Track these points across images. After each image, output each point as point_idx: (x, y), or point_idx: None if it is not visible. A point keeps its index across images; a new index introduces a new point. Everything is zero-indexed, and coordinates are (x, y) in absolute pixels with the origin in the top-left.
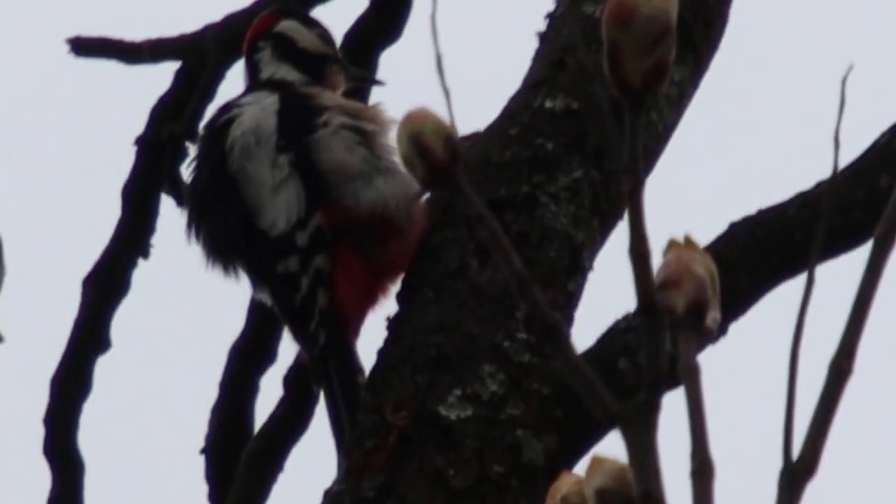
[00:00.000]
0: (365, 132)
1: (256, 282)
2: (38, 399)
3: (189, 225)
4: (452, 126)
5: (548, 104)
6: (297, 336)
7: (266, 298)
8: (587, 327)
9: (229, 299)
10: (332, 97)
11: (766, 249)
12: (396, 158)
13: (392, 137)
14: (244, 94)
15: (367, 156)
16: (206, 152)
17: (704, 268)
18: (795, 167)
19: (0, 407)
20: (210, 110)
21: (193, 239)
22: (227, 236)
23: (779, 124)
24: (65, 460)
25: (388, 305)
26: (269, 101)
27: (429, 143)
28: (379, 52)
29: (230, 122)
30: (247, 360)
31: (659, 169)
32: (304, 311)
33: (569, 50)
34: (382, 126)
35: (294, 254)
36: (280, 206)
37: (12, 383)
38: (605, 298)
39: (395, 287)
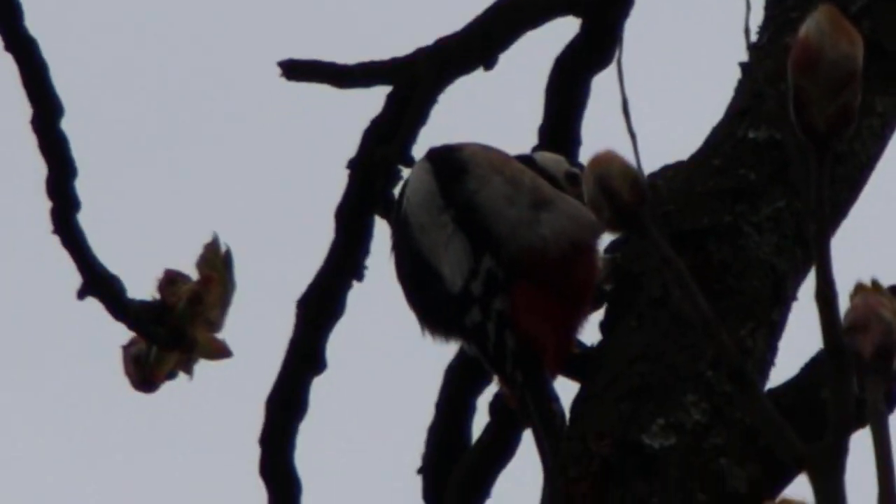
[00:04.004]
0: (511, 179)
1: (452, 335)
2: (255, 419)
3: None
4: (639, 169)
5: (751, 134)
6: (500, 378)
7: (467, 349)
8: (792, 356)
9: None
10: (472, 148)
11: None
12: (546, 190)
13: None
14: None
15: (523, 200)
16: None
17: (892, 312)
18: None
19: (218, 426)
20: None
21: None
22: (430, 308)
23: None
24: (281, 481)
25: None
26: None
27: (615, 185)
28: (590, 76)
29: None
30: (463, 379)
31: (858, 204)
32: (498, 355)
33: (771, 81)
34: (516, 169)
35: (474, 304)
36: (452, 262)
37: (230, 403)
38: (809, 327)
39: (591, 308)
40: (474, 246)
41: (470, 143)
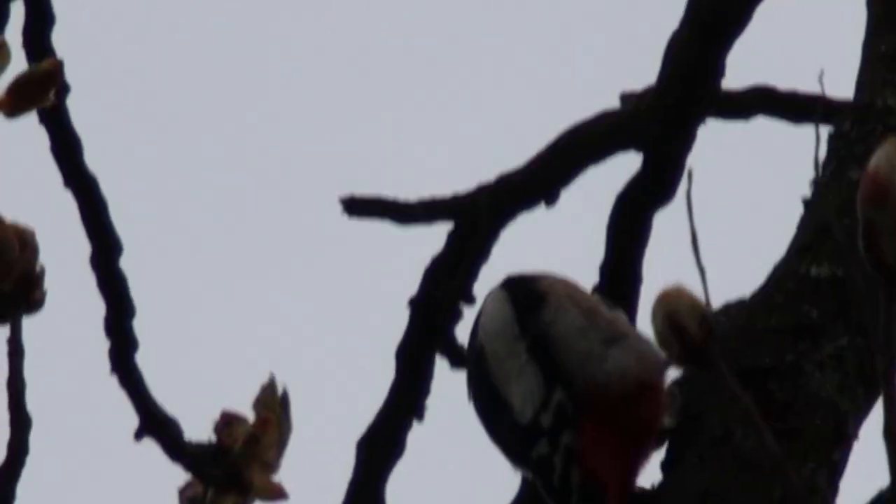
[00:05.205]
0: (588, 312)
1: (518, 466)
2: None
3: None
4: (707, 305)
5: (813, 271)
6: None
7: (528, 476)
8: (853, 495)
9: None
10: (549, 279)
11: None
12: (620, 325)
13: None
14: None
15: (596, 335)
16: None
17: None
18: None
19: None
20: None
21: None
22: (500, 438)
23: None
24: None
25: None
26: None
27: (684, 321)
28: (651, 213)
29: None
30: None
31: None
32: (563, 490)
33: (835, 216)
34: (592, 302)
35: (542, 437)
36: (524, 392)
37: None
38: (870, 466)
39: (656, 447)
40: (546, 377)
41: (548, 274)
